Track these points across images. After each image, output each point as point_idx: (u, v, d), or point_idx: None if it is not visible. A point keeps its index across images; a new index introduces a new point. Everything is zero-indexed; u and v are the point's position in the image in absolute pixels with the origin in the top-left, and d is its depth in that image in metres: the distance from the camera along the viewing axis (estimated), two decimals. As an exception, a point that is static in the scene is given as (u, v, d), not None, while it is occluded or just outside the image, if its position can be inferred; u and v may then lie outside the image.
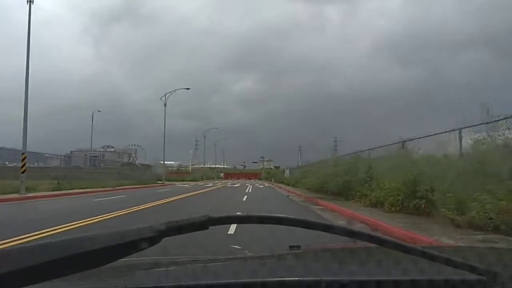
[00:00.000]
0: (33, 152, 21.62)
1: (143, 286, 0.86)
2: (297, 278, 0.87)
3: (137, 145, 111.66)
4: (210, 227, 0.62)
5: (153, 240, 0.57)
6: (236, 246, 2.86)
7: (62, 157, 29.32)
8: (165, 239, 0.58)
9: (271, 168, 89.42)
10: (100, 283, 0.89)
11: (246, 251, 1.74)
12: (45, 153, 27.49)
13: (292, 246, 1.31)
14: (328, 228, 0.69)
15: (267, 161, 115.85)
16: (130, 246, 0.56)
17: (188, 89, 40.97)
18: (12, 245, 0.53)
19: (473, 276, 0.74)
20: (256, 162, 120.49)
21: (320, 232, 0.66)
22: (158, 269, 1.12)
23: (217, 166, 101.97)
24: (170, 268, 1.13)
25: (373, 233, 0.73)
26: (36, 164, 26.26)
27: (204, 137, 66.68)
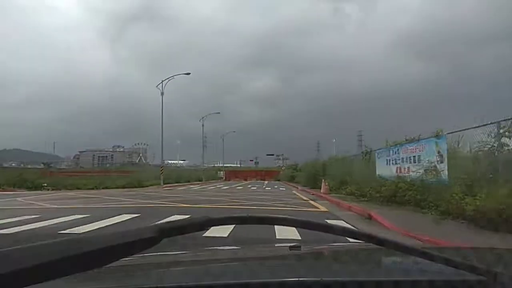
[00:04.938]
0: None
1: (143, 286, 0.87)
2: (297, 279, 0.86)
3: (145, 144, 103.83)
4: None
5: (153, 240, 0.57)
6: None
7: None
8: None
9: (293, 165, 55.47)
10: (100, 284, 0.89)
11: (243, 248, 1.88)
12: None
13: (292, 246, 1.24)
14: (328, 228, 0.70)
15: (283, 159, 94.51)
16: (130, 246, 0.56)
17: (188, 73, 36.38)
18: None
19: (473, 276, 0.74)
20: (272, 155, 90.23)
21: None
22: (159, 270, 1.11)
23: (229, 165, 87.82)
24: (171, 269, 1.14)
25: (373, 234, 0.74)
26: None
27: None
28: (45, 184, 26.78)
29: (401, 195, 10.50)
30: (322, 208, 11.56)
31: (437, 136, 9.68)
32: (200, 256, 1.39)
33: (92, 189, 25.55)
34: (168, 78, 33.46)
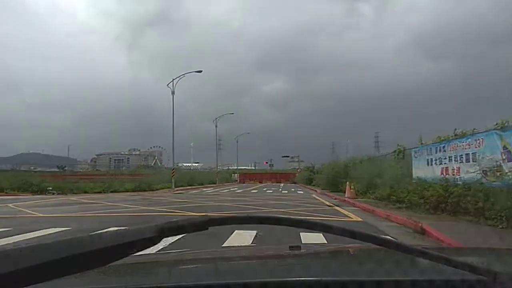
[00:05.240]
0: None
1: (143, 286, 0.86)
2: (297, 278, 0.86)
3: (161, 147, 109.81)
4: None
5: (153, 240, 0.57)
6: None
7: None
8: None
9: (310, 167, 53.18)
10: (100, 283, 0.88)
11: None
12: None
13: (292, 246, 1.23)
14: (327, 228, 0.70)
15: (298, 161, 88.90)
16: (130, 246, 0.56)
17: (200, 71, 34.35)
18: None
19: (473, 276, 0.73)
20: (287, 156, 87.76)
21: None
22: (159, 269, 1.12)
23: (244, 167, 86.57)
24: (171, 268, 1.14)
25: (373, 234, 0.74)
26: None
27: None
28: (50, 188, 25.22)
29: (453, 201, 8.59)
30: (354, 217, 9.72)
31: (502, 128, 7.74)
32: (200, 256, 1.40)
33: (99, 192, 24.25)
34: (179, 76, 31.91)
